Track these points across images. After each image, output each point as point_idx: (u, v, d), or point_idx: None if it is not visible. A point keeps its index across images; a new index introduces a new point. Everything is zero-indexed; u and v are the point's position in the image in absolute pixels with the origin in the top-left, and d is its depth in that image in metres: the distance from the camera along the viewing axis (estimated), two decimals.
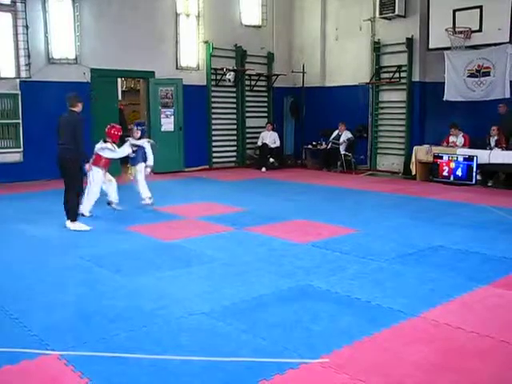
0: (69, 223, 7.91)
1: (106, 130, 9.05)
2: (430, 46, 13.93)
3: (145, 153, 9.63)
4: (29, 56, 12.63)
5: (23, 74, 12.67)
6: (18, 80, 12.66)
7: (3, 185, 11.75)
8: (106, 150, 8.87)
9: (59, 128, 7.96)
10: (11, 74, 12.67)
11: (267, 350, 3.99)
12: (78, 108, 7.97)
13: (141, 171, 9.69)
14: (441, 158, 12.87)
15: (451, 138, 13.34)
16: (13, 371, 3.69)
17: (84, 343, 4.08)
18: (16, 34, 12.56)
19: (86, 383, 3.52)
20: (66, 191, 7.94)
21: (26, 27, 12.55)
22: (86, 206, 8.62)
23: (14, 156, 12.56)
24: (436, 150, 13.10)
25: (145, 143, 9.65)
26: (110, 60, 13.77)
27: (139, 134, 9.66)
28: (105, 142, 8.91)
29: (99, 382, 3.52)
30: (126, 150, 9.35)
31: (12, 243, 7.22)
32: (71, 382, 3.55)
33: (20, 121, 12.58)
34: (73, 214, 7.93)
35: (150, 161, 9.71)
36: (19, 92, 12.58)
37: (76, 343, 4.08)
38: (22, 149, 12.57)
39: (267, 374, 3.62)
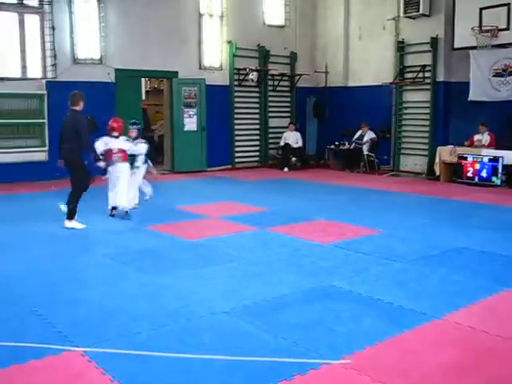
0: (67, 222, 7.97)
1: (116, 124, 8.76)
2: (455, 46, 13.79)
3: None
4: (55, 56, 12.81)
5: (49, 75, 12.85)
6: (44, 80, 12.83)
7: (29, 183, 11.91)
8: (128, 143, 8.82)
9: (63, 129, 7.99)
10: (38, 74, 12.85)
11: (288, 350, 3.99)
12: (80, 107, 7.95)
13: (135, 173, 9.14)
14: (465, 158, 12.73)
15: (476, 137, 13.18)
16: (38, 366, 3.74)
17: (107, 340, 4.13)
18: (43, 36, 12.75)
19: (109, 380, 3.55)
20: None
21: (53, 28, 12.73)
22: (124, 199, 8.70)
23: (40, 155, 12.72)
24: (460, 150, 12.97)
25: (139, 144, 9.11)
26: (134, 60, 13.88)
27: (135, 134, 9.19)
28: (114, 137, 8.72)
29: (122, 379, 3.55)
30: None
31: (37, 241, 7.32)
32: (94, 378, 3.60)
33: (46, 120, 12.73)
34: (72, 211, 7.96)
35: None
36: (45, 92, 12.75)
37: (99, 340, 4.13)
38: (47, 148, 12.72)
39: (288, 374, 3.62)
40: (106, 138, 8.69)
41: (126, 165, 8.75)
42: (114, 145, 8.68)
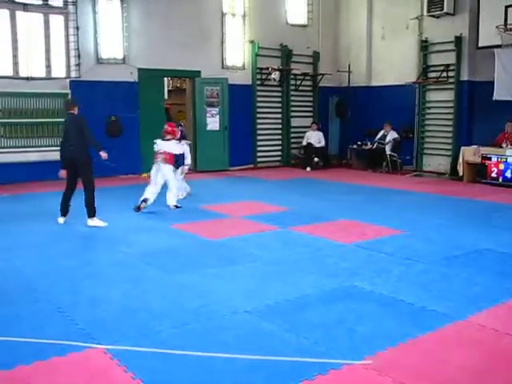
0: (91, 221, 8.15)
1: (170, 128, 9.57)
2: (480, 44, 13.63)
3: (183, 155, 10.01)
4: (79, 56, 12.94)
5: (73, 74, 12.99)
6: (68, 80, 12.97)
7: (53, 182, 12.01)
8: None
9: (66, 130, 8.37)
10: (62, 73, 13.00)
11: (310, 350, 3.99)
12: (75, 110, 8.40)
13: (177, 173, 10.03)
14: (489, 159, 12.59)
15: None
16: (60, 363, 3.78)
17: (129, 338, 4.16)
18: (67, 36, 12.90)
19: (130, 377, 3.58)
20: (73, 190, 8.28)
21: (77, 28, 12.87)
22: (172, 198, 9.49)
23: None
24: (484, 150, 12.82)
25: (185, 145, 10.15)
26: (157, 60, 13.97)
27: (179, 135, 9.94)
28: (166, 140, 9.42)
29: (143, 377, 3.57)
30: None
31: (61, 239, 7.40)
32: (117, 375, 3.63)
33: None
34: (92, 209, 8.15)
35: (189, 160, 10.37)
36: (69, 91, 12.87)
37: (121, 338, 4.16)
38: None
39: (309, 374, 3.61)
40: (158, 141, 9.39)
41: (170, 167, 9.34)
42: (162, 147, 9.30)
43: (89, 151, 8.16)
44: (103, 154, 8.19)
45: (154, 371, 3.67)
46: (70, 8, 12.83)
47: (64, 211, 8.34)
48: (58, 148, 8.85)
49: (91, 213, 8.14)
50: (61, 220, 8.30)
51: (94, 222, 8.13)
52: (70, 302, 4.97)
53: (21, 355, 3.86)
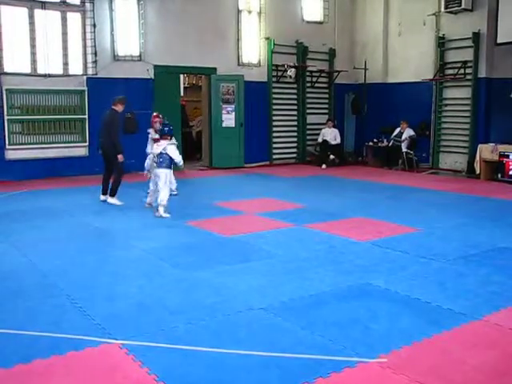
0: (109, 198, 9.44)
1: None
2: (499, 41, 13.50)
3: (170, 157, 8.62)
4: (95, 53, 13.01)
5: (90, 71, 13.07)
6: (85, 77, 13.05)
7: (70, 178, 12.14)
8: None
9: (101, 123, 9.60)
10: (79, 71, 13.08)
11: (324, 348, 3.98)
12: (118, 108, 9.44)
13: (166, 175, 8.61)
14: (507, 156, 12.47)
15: None
16: (77, 357, 3.82)
17: (144, 334, 4.18)
18: (84, 33, 12.99)
19: (146, 372, 3.60)
20: (110, 172, 9.48)
21: (94, 26, 12.93)
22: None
23: (80, 150, 12.96)
24: (502, 148, 12.70)
25: (167, 146, 8.58)
26: (173, 57, 14.01)
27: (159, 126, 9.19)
28: None
29: (159, 372, 3.59)
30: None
31: (77, 235, 7.46)
32: (132, 370, 3.65)
33: (86, 116, 12.94)
34: (114, 190, 9.44)
35: (179, 160, 8.77)
36: (86, 88, 12.96)
37: (136, 333, 4.19)
38: (87, 143, 12.94)
39: (324, 372, 3.61)
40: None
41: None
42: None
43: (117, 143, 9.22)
44: (119, 156, 9.20)
45: (169, 366, 3.69)
46: (87, 6, 12.90)
47: (103, 190, 9.58)
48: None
49: (112, 193, 9.42)
50: (102, 197, 9.59)
51: (112, 200, 9.40)
52: (86, 297, 5.01)
53: (38, 349, 3.90)
